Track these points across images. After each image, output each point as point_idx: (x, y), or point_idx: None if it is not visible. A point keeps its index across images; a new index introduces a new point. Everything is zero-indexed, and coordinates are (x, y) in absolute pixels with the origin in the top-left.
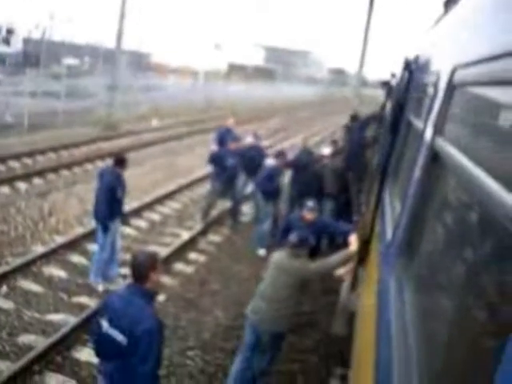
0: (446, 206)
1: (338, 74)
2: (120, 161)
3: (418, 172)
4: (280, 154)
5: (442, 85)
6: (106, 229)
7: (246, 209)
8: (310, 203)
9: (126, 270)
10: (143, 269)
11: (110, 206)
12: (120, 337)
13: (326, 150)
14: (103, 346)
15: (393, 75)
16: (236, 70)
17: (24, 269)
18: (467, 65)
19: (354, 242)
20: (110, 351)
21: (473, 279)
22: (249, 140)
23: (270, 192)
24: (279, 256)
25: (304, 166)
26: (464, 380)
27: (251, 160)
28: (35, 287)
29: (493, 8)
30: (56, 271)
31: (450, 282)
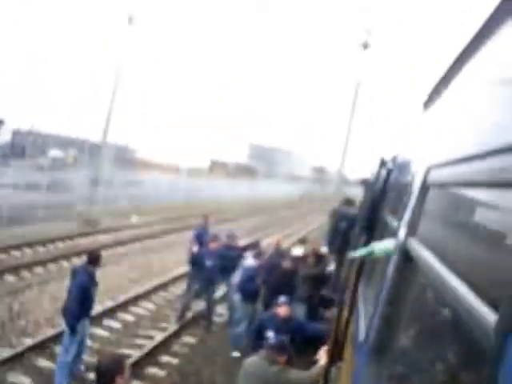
0: (418, 308)
1: (320, 173)
2: (94, 259)
3: (390, 272)
4: (260, 254)
5: (416, 185)
6: (73, 330)
7: (220, 309)
8: (283, 298)
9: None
10: (108, 373)
11: (81, 306)
12: None
13: (298, 251)
14: None
15: (372, 174)
16: (218, 167)
17: None
18: (441, 165)
19: (323, 355)
20: None
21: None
22: (224, 239)
23: (250, 293)
24: (253, 362)
25: (276, 267)
26: None
27: (229, 260)
28: None
29: (466, 110)
30: (21, 377)
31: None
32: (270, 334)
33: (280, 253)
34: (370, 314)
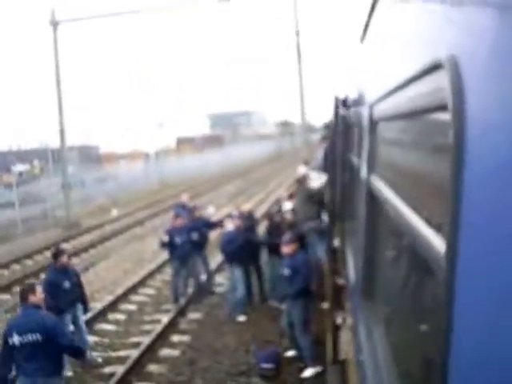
0: (390, 244)
1: (285, 126)
2: (52, 256)
3: (362, 215)
4: (238, 218)
5: (365, 122)
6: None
7: (220, 279)
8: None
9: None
10: (23, 293)
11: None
12: (34, 336)
13: (287, 205)
14: (22, 355)
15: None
16: (185, 143)
17: None
18: (380, 100)
19: None
20: (29, 353)
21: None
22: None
23: (230, 255)
24: None
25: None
26: None
27: (198, 233)
28: None
29: (393, 41)
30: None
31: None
32: None
33: (247, 216)
34: (354, 258)
